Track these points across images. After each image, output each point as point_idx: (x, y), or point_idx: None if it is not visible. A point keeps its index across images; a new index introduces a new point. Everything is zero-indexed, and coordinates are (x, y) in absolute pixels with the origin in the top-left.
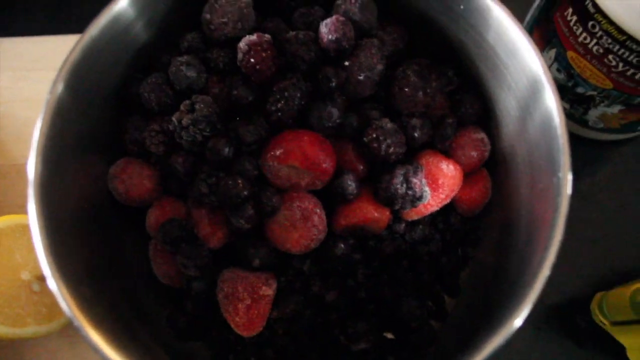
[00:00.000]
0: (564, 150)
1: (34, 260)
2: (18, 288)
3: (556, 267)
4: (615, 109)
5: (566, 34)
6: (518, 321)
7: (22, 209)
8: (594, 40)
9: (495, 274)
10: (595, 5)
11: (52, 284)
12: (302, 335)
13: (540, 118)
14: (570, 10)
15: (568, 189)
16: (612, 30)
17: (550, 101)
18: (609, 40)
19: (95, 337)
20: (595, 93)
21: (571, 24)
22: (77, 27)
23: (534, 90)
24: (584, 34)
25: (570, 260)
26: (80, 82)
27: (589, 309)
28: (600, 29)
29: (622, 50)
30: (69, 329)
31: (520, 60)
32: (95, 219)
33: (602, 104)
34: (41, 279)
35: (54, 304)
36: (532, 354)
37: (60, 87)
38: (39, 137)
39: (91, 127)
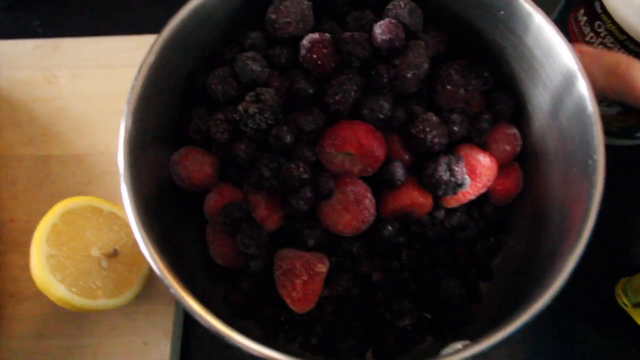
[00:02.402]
0: (598, 133)
1: (101, 239)
2: (90, 264)
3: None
4: (615, 110)
5: (577, 34)
6: (543, 304)
7: (82, 195)
8: (599, 40)
9: (526, 260)
10: (602, 6)
11: (147, 253)
12: (350, 312)
13: (574, 106)
14: (582, 11)
15: (602, 170)
16: (615, 30)
17: (584, 89)
18: (611, 40)
19: (185, 295)
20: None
21: (581, 24)
22: (124, 29)
23: (568, 83)
24: (591, 34)
25: (590, 251)
26: (161, 72)
27: (610, 296)
28: (605, 28)
29: (622, 50)
30: (129, 307)
31: (555, 58)
32: (159, 206)
33: (602, 103)
34: (109, 256)
35: (119, 279)
36: (553, 340)
37: (141, 79)
38: (124, 129)
39: (162, 118)
